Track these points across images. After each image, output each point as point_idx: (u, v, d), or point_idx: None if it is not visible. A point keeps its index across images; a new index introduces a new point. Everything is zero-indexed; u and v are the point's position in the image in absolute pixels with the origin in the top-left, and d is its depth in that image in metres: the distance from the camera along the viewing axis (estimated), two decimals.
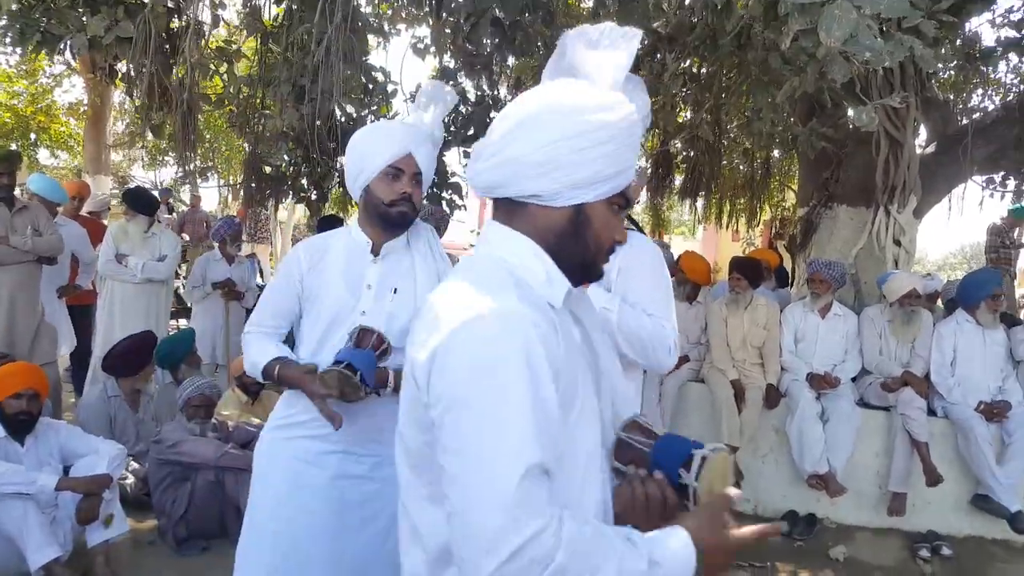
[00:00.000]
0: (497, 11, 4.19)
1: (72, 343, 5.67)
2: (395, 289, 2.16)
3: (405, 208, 2.13)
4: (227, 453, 3.84)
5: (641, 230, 2.24)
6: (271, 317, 2.26)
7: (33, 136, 15.90)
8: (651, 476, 1.30)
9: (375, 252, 2.19)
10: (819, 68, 3.54)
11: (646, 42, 7.16)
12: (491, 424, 1.06)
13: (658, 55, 6.17)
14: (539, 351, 1.10)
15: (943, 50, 5.28)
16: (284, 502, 2.12)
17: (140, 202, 5.58)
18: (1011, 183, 9.18)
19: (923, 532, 4.78)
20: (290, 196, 7.87)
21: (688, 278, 5.42)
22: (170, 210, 12.38)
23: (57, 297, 5.40)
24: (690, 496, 1.26)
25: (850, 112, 4.39)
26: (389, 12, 7.90)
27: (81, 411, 4.59)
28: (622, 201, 1.28)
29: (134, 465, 4.30)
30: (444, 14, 4.70)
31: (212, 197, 19.32)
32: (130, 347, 4.55)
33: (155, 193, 8.09)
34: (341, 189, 7.42)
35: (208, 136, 13.82)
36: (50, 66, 15.08)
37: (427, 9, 5.01)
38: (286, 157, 7.46)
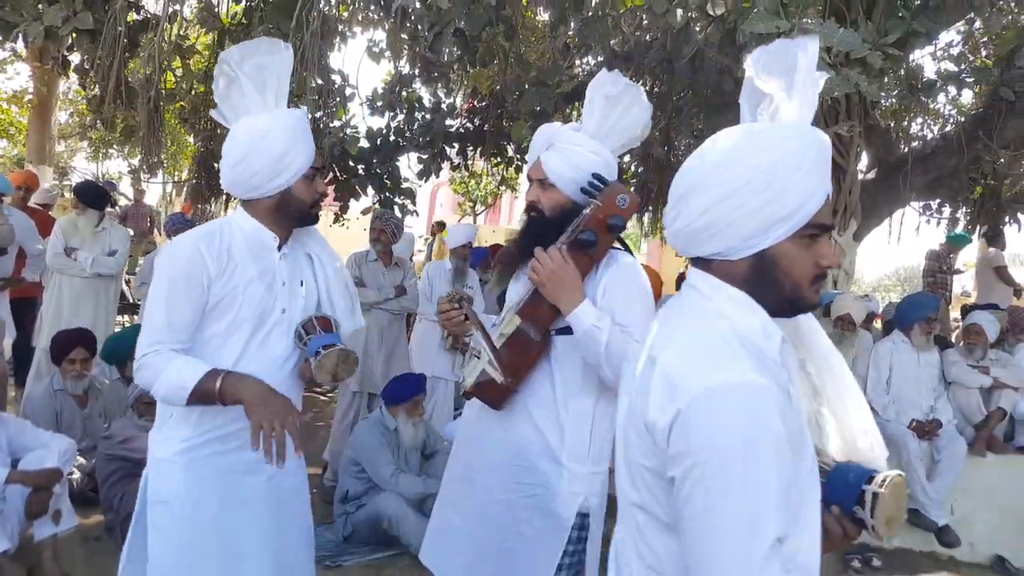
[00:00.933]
0: (460, 23, 4.26)
1: (12, 335, 5.54)
2: (302, 282, 2.17)
3: (320, 208, 2.18)
4: None
5: (628, 249, 2.21)
6: (184, 333, 1.99)
7: None
8: (828, 511, 1.31)
9: (280, 248, 2.14)
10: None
11: (600, 58, 7.32)
12: (738, 502, 1.09)
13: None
14: (780, 426, 1.12)
15: (886, 80, 5.55)
16: (219, 520, 2.03)
17: (91, 196, 5.48)
18: (947, 211, 9.64)
19: (855, 544, 4.97)
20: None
21: None
22: (112, 203, 12.09)
23: None
24: (868, 528, 1.29)
25: None
26: (346, 14, 7.92)
27: (26, 405, 4.49)
28: (815, 230, 1.24)
29: (81, 460, 4.23)
30: (406, 22, 4.73)
31: (155, 192, 18.92)
32: (68, 341, 4.47)
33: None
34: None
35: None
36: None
37: (392, 16, 5.05)
38: None
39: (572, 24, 4.66)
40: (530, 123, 5.26)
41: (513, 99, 4.89)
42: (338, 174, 7.38)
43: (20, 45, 6.93)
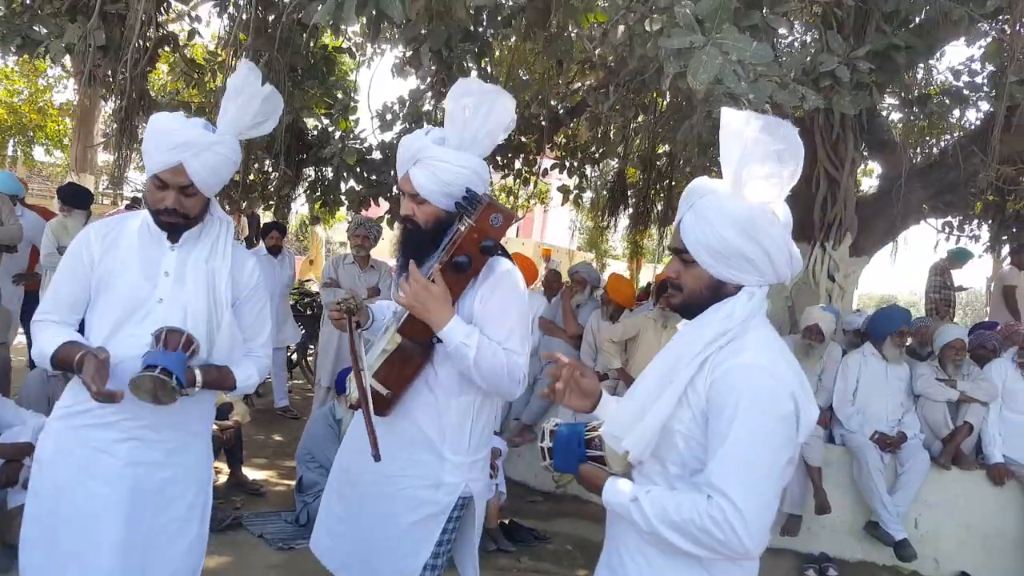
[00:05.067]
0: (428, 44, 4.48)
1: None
2: (193, 277, 2.16)
3: (172, 219, 2.12)
4: None
5: (507, 255, 2.26)
6: (65, 309, 2.16)
7: (31, 134, 16.38)
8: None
9: (173, 239, 2.17)
10: (706, 108, 3.80)
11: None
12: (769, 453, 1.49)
13: (602, 89, 6.48)
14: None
15: (870, 95, 5.57)
16: (72, 489, 2.10)
17: (76, 198, 5.85)
18: (966, 227, 9.48)
19: (816, 554, 4.99)
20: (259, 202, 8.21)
21: (611, 299, 5.71)
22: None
23: (13, 284, 5.70)
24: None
25: None
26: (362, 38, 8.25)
27: (23, 389, 4.87)
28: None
29: None
30: (380, 45, 5.00)
31: None
32: None
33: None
34: (320, 198, 7.76)
35: None
36: (50, 67, 15.56)
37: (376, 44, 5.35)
38: (256, 167, 7.79)
39: (538, 40, 4.87)
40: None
41: None
42: (355, 185, 7.70)
43: (67, 60, 7.42)
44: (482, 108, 2.13)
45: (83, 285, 2.15)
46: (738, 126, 1.55)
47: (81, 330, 2.19)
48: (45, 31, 6.06)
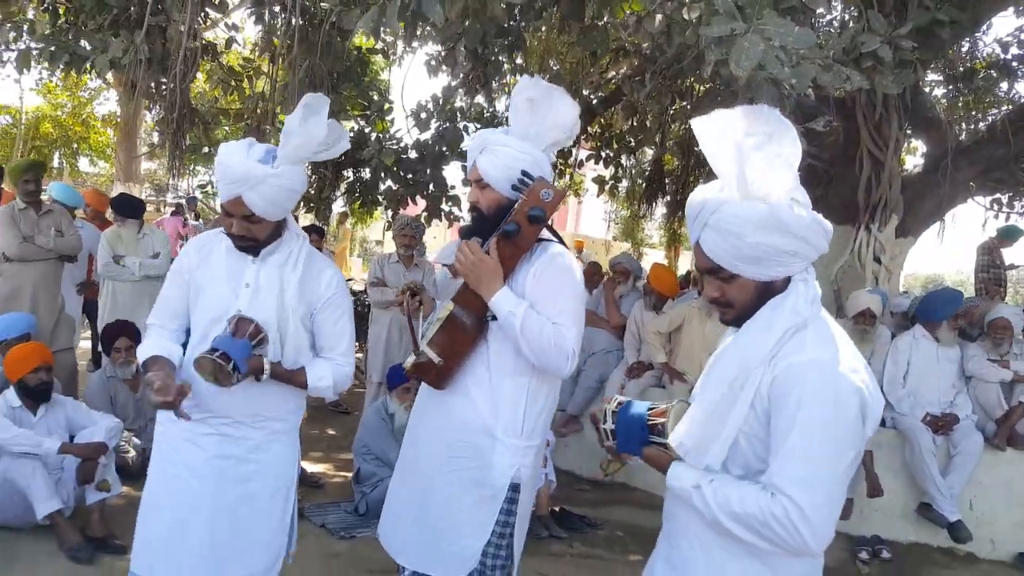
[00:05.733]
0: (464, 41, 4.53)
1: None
2: (267, 287, 2.32)
3: (241, 244, 2.29)
4: None
5: (561, 240, 2.37)
6: (170, 318, 2.41)
7: (75, 146, 16.86)
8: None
9: (255, 253, 2.33)
10: (748, 94, 3.79)
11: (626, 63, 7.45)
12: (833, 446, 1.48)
13: (637, 77, 6.47)
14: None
15: (914, 73, 5.48)
16: (170, 478, 2.35)
17: (128, 208, 6.02)
18: (1016, 204, 9.24)
19: (868, 536, 4.96)
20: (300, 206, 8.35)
21: (654, 288, 5.71)
22: (197, 216, 13.05)
23: (76, 293, 5.92)
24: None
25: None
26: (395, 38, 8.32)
27: (87, 391, 5.06)
28: None
29: (136, 440, 4.75)
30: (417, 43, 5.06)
31: None
32: (112, 333, 4.99)
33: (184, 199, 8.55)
34: (358, 199, 7.89)
35: None
36: (91, 80, 15.98)
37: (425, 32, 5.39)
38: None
39: (573, 32, 4.88)
40: None
41: None
42: (392, 185, 7.80)
43: (97, 76, 7.68)
44: (545, 103, 2.28)
45: (182, 293, 2.39)
46: (719, 129, 1.54)
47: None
48: (90, 47, 6.26)
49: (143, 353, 2.30)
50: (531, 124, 2.28)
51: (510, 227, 2.18)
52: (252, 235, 2.26)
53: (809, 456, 1.45)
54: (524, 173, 2.22)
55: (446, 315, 2.28)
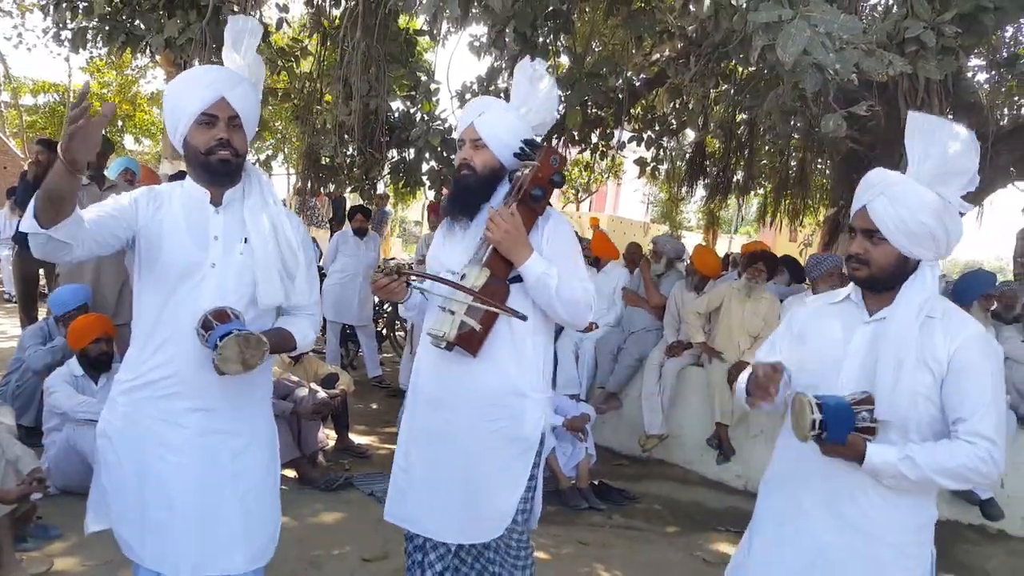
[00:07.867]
0: (514, 24, 4.63)
1: None
2: (245, 239, 2.14)
3: (225, 154, 2.08)
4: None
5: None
6: (95, 218, 2.00)
7: (120, 123, 17.21)
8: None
9: (216, 203, 2.15)
10: (793, 79, 3.87)
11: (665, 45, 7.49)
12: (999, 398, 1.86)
13: (681, 60, 6.53)
14: None
15: (957, 58, 5.48)
16: (151, 463, 2.11)
17: None
18: None
19: None
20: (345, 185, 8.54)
21: (697, 269, 5.82)
22: None
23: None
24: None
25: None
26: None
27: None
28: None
29: None
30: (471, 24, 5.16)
31: (281, 184, 20.21)
32: None
33: None
34: (402, 179, 8.03)
35: (280, 126, 14.73)
36: (137, 58, 16.29)
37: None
38: (342, 150, 8.09)
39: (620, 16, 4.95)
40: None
41: (567, 93, 5.19)
42: (435, 165, 7.93)
43: (151, 55, 7.85)
44: (540, 84, 2.43)
45: (121, 219, 2.05)
46: (927, 128, 1.88)
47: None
48: (145, 27, 6.45)
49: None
50: (527, 101, 2.41)
51: (537, 192, 2.27)
52: (236, 144, 2.10)
53: (998, 410, 1.84)
54: (527, 142, 2.33)
55: (483, 282, 2.29)
